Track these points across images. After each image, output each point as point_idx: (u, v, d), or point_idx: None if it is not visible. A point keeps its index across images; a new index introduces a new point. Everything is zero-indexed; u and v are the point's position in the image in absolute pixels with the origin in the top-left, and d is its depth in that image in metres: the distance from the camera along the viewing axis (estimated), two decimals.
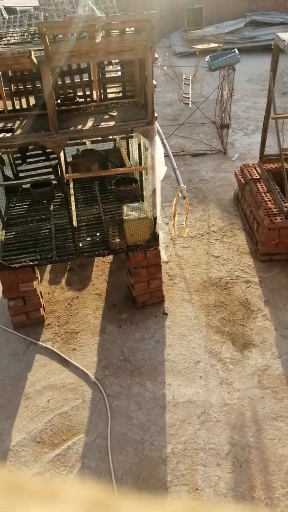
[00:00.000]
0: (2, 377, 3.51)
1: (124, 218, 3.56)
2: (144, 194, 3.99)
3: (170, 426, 3.08)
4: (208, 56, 6.75)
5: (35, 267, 3.74)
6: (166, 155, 3.48)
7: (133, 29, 2.84)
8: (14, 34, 3.29)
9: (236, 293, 4.15)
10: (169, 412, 3.17)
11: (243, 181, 5.12)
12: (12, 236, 3.94)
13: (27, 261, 3.58)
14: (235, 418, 3.10)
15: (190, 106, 7.10)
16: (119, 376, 3.44)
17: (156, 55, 3.03)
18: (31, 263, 3.58)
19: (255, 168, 5.10)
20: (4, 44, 3.04)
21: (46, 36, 2.62)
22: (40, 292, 3.99)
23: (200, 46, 10.29)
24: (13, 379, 3.49)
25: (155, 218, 3.55)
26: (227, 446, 2.94)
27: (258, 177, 4.92)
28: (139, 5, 12.32)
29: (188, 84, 7.31)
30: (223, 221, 5.17)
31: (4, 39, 3.17)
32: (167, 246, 4.79)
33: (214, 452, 2.91)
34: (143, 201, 3.95)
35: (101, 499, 0.20)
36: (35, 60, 2.67)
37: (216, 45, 9.49)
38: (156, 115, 3.13)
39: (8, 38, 3.20)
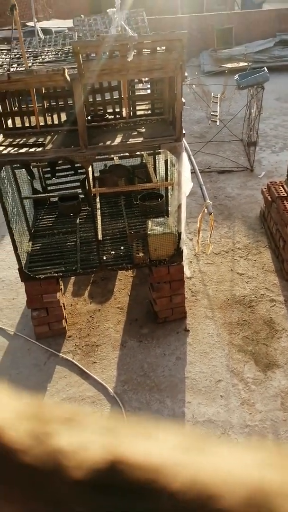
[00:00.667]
0: (22, 387, 3.54)
1: (149, 232, 3.58)
2: (169, 209, 4.01)
3: None
4: (237, 75, 6.80)
5: (59, 279, 3.79)
6: (193, 172, 3.50)
7: (164, 48, 2.90)
8: (49, 53, 3.41)
9: (260, 311, 4.08)
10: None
11: (269, 199, 5.08)
12: (38, 247, 4.01)
13: (52, 272, 3.63)
14: (256, 441, 3.01)
15: (217, 123, 7.14)
16: (139, 391, 3.42)
17: (186, 74, 3.07)
18: (56, 275, 3.63)
19: (282, 186, 5.06)
20: (39, 62, 3.16)
21: (80, 55, 2.71)
22: (63, 303, 4.03)
23: (229, 65, 10.38)
24: (33, 389, 3.51)
25: (179, 234, 3.55)
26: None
27: (285, 194, 4.87)
28: (169, 25, 12.58)
29: (216, 102, 7.37)
30: (249, 239, 5.12)
31: (39, 57, 3.29)
32: (191, 262, 4.77)
33: None
34: (168, 217, 3.97)
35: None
36: (68, 78, 2.75)
37: (245, 64, 9.56)
38: (184, 132, 3.16)
39: (43, 56, 3.32)
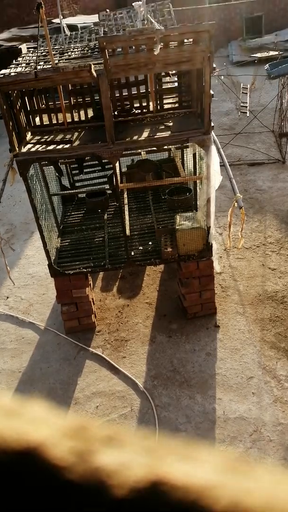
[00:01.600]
0: (53, 380, 3.59)
1: (177, 227, 3.54)
2: (198, 203, 3.96)
3: (220, 442, 2.99)
4: (267, 64, 6.62)
5: (88, 274, 3.81)
6: (222, 165, 3.43)
7: (191, 40, 2.84)
8: (75, 49, 3.42)
9: None
10: (219, 428, 3.07)
11: None
12: (67, 243, 4.05)
13: (81, 268, 3.66)
14: None
15: (247, 115, 6.98)
16: (168, 387, 3.40)
17: (214, 65, 3.01)
18: (85, 270, 3.66)
19: None
20: (66, 59, 3.16)
21: (106, 50, 2.69)
22: (92, 298, 4.06)
23: (259, 55, 10.12)
24: (63, 383, 3.56)
25: (208, 228, 3.50)
26: (280, 468, 2.79)
27: None
28: (196, 16, 12.38)
29: (246, 93, 7.20)
30: (281, 233, 4.99)
31: (65, 54, 3.30)
32: (221, 257, 4.70)
33: None
34: (196, 211, 3.91)
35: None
36: (94, 74, 2.75)
37: (276, 53, 9.29)
38: (212, 124, 3.10)
39: (69, 53, 3.32)
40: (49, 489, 0.19)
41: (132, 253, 3.74)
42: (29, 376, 3.67)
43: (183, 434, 3.05)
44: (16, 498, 0.19)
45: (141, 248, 3.85)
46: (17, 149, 3.02)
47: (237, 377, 3.41)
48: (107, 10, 4.03)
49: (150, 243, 3.89)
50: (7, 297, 4.57)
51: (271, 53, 10.01)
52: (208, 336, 3.80)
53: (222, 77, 7.87)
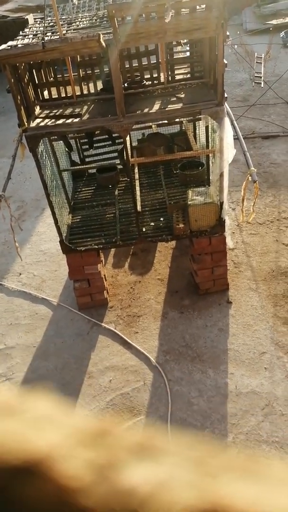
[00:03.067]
0: (67, 355, 3.65)
1: (189, 203, 3.50)
2: (210, 178, 3.88)
3: (232, 415, 3.02)
4: (283, 32, 6.35)
5: (100, 251, 3.81)
6: (236, 138, 3.34)
7: (204, 6, 2.72)
8: (83, 19, 3.31)
9: None
10: (231, 402, 3.10)
11: None
12: (78, 220, 4.04)
13: (92, 244, 3.66)
14: None
15: (262, 85, 6.76)
16: (180, 362, 3.43)
17: (228, 33, 2.88)
18: (96, 247, 3.65)
19: None
20: (74, 29, 3.07)
21: (115, 19, 2.59)
22: (104, 275, 4.07)
23: (274, 22, 9.71)
24: (77, 357, 3.61)
25: (221, 203, 3.44)
26: None
27: None
28: None
29: (261, 63, 6.96)
30: None
31: (73, 24, 3.19)
32: (233, 232, 4.65)
33: (278, 446, 2.81)
34: (209, 186, 3.84)
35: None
36: (103, 44, 2.66)
37: None
38: (225, 95, 3.00)
39: (77, 23, 3.22)
40: None
41: (144, 229, 3.71)
42: (43, 351, 3.73)
43: (195, 408, 3.09)
44: None
45: (153, 224, 3.82)
46: (26, 124, 2.97)
47: (249, 353, 3.42)
48: None
49: (161, 219, 3.85)
50: (20, 274, 4.61)
51: None
52: (220, 312, 3.80)
53: (236, 46, 7.60)
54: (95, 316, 3.95)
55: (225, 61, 2.90)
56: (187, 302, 3.94)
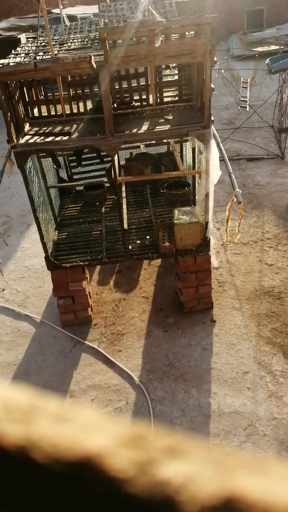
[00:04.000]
0: (49, 373, 3.60)
1: (175, 221, 3.54)
2: (196, 198, 3.94)
3: (214, 436, 3.00)
4: (268, 59, 6.58)
5: (85, 268, 3.80)
6: (221, 159, 3.41)
7: (192, 32, 2.81)
8: (75, 40, 3.38)
9: None
10: (214, 422, 3.09)
11: None
12: (64, 236, 4.04)
13: (78, 261, 3.65)
14: (283, 434, 2.96)
15: (247, 109, 6.94)
16: (164, 381, 3.41)
17: (215, 58, 2.98)
18: (82, 264, 3.65)
19: None
20: (65, 50, 3.13)
21: (106, 41, 2.66)
22: (89, 292, 4.05)
23: (259, 49, 10.06)
24: (59, 376, 3.56)
25: (206, 223, 3.49)
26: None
27: None
28: (197, 8, 12.26)
29: (246, 88, 7.16)
30: (278, 228, 4.99)
31: (65, 45, 3.26)
32: (218, 252, 4.70)
33: None
34: (195, 205, 3.90)
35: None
36: (94, 65, 2.72)
37: (277, 47, 9.23)
38: (212, 118, 3.08)
39: (69, 44, 3.28)
40: (110, 503, 0.17)
41: (130, 247, 3.73)
42: (24, 368, 3.67)
43: (177, 428, 3.07)
44: None
45: (139, 242, 3.84)
46: (15, 140, 2.99)
47: (232, 372, 3.42)
48: (108, 1, 3.98)
49: (147, 237, 3.88)
50: (3, 290, 4.56)
51: (272, 47, 9.95)
52: (204, 330, 3.81)
53: (223, 70, 7.82)
54: (79, 333, 3.92)
55: (212, 85, 2.99)
56: (171, 321, 3.94)
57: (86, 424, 0.19)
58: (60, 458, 0.18)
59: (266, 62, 6.49)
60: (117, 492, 0.17)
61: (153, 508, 0.16)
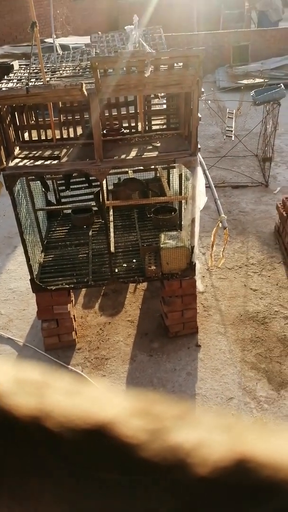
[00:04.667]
0: None
1: (161, 246, 3.57)
2: (182, 223, 4.00)
3: None
4: (253, 91, 6.83)
5: (71, 291, 3.78)
6: (207, 186, 3.49)
7: (181, 64, 2.92)
8: (67, 68, 3.47)
9: (274, 328, 4.01)
10: None
11: (285, 214, 5.04)
12: (50, 259, 4.03)
13: (64, 284, 3.64)
14: None
15: (232, 139, 7.15)
16: None
17: (202, 89, 3.09)
18: (67, 286, 3.63)
19: None
20: (57, 77, 3.21)
21: (98, 70, 2.74)
22: (74, 315, 4.02)
23: (245, 81, 10.44)
24: None
25: (192, 248, 3.53)
26: None
27: None
28: (186, 41, 12.74)
29: (232, 118, 7.39)
30: (263, 254, 5.07)
31: (57, 72, 3.34)
32: (203, 276, 4.74)
33: None
34: (181, 230, 3.95)
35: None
36: (85, 93, 2.79)
37: (262, 80, 9.60)
38: (199, 146, 3.16)
39: (61, 71, 3.37)
40: (123, 467, 0.18)
41: (116, 270, 3.74)
42: None
43: None
44: (89, 478, 0.18)
45: (125, 265, 3.85)
46: (4, 163, 3.02)
47: (217, 398, 3.40)
48: (99, 32, 4.12)
49: (134, 260, 3.90)
50: None
51: (257, 80, 10.34)
52: (189, 355, 3.79)
53: (209, 101, 8.07)
54: (62, 357, 3.86)
55: (199, 115, 3.09)
56: (156, 345, 3.92)
57: (96, 397, 0.20)
58: (73, 427, 0.19)
59: (251, 94, 6.74)
60: (130, 456, 0.18)
61: (166, 470, 0.17)
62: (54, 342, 3.89)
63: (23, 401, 0.19)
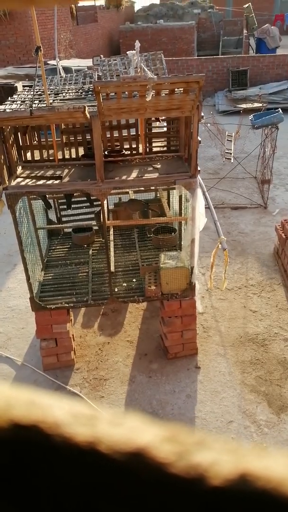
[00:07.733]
0: None
1: (161, 266, 3.58)
2: (182, 243, 4.02)
3: None
4: (252, 115, 6.96)
5: (70, 310, 3.77)
6: (207, 207, 3.52)
7: (181, 89, 2.99)
8: (70, 91, 3.54)
9: (274, 351, 3.98)
10: None
11: (283, 236, 5.07)
12: (50, 277, 4.03)
13: (63, 303, 3.62)
14: None
15: (231, 161, 7.24)
16: None
17: (202, 113, 3.15)
18: (67, 305, 3.62)
19: None
20: (60, 100, 3.27)
21: (100, 94, 2.80)
22: (73, 335, 3.99)
23: (243, 105, 10.64)
24: None
25: (192, 268, 3.54)
26: None
27: None
28: (186, 66, 13.06)
29: (231, 141, 7.50)
30: (262, 275, 5.08)
31: (60, 95, 3.41)
32: (203, 297, 4.73)
33: None
34: (181, 251, 3.97)
35: None
36: (88, 115, 2.84)
37: (260, 104, 9.79)
38: (199, 168, 3.21)
39: (64, 94, 3.44)
40: (160, 482, 0.24)
41: (116, 290, 3.73)
42: None
43: None
44: (133, 493, 0.24)
45: (125, 284, 3.85)
46: (7, 182, 3.05)
47: (216, 421, 3.35)
48: (101, 55, 4.23)
49: (134, 280, 3.89)
50: None
51: (255, 104, 10.55)
52: (188, 377, 3.75)
53: (209, 124, 8.21)
54: (60, 377, 3.82)
55: (199, 138, 3.14)
56: (155, 366, 3.88)
57: (134, 427, 0.27)
58: (119, 450, 0.25)
59: (250, 118, 6.87)
60: (163, 473, 0.24)
61: (190, 482, 0.24)
62: (52, 362, 3.85)
63: (79, 430, 0.26)
